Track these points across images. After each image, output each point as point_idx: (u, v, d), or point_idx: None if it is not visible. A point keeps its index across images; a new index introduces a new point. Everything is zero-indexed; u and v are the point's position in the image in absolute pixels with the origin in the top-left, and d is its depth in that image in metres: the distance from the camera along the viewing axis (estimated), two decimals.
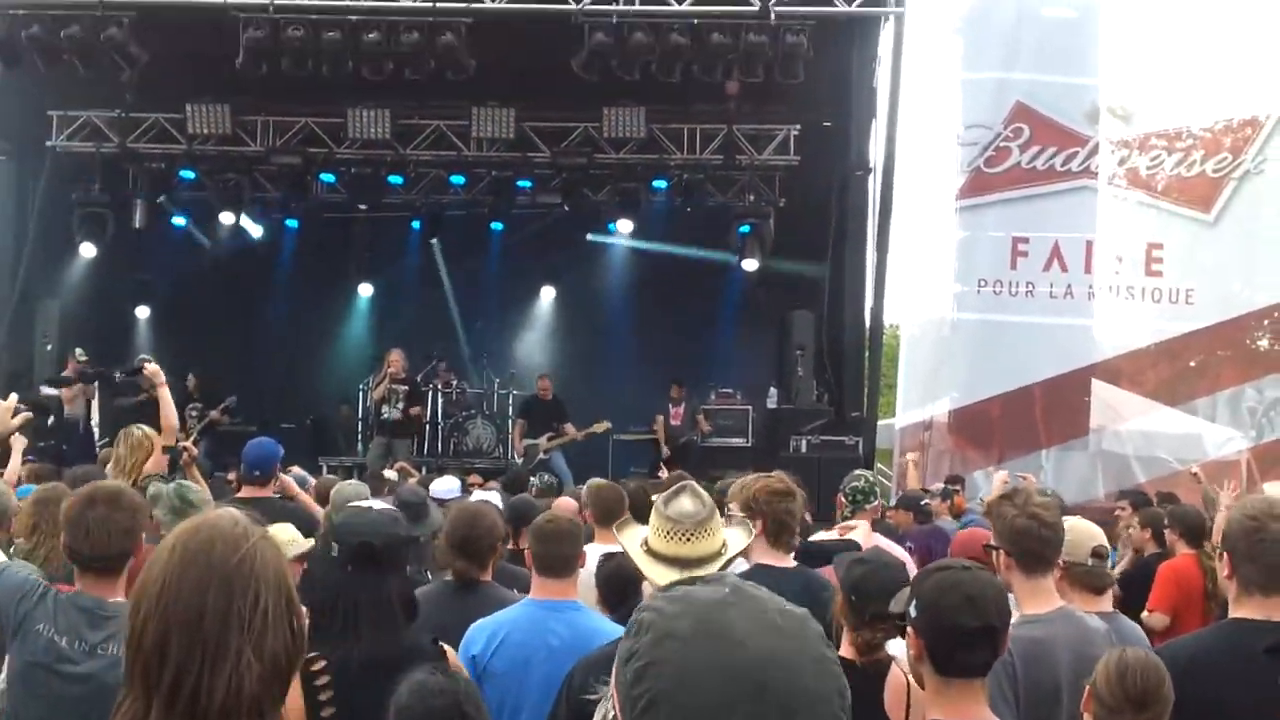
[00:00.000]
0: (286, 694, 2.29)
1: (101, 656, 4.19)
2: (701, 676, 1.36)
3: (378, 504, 3.97)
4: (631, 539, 4.09)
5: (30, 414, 7.81)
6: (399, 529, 4.00)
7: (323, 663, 3.99)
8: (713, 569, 3.90)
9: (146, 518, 4.57)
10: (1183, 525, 8.78)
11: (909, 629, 3.40)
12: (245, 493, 8.14)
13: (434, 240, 20.52)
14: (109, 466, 8.96)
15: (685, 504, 3.98)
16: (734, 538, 4.09)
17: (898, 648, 4.73)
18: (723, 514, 4.84)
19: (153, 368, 8.60)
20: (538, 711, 4.96)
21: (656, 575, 3.92)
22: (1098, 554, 5.08)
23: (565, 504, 8.40)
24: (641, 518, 4.65)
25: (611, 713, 1.44)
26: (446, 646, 4.03)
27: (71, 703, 4.14)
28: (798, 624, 1.46)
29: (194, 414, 17.48)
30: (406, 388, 17.07)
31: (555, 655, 5.02)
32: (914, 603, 3.38)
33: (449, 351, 19.68)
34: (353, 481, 7.45)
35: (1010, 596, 3.92)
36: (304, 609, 2.34)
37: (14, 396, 6.82)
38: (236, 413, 18.26)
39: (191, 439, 15.44)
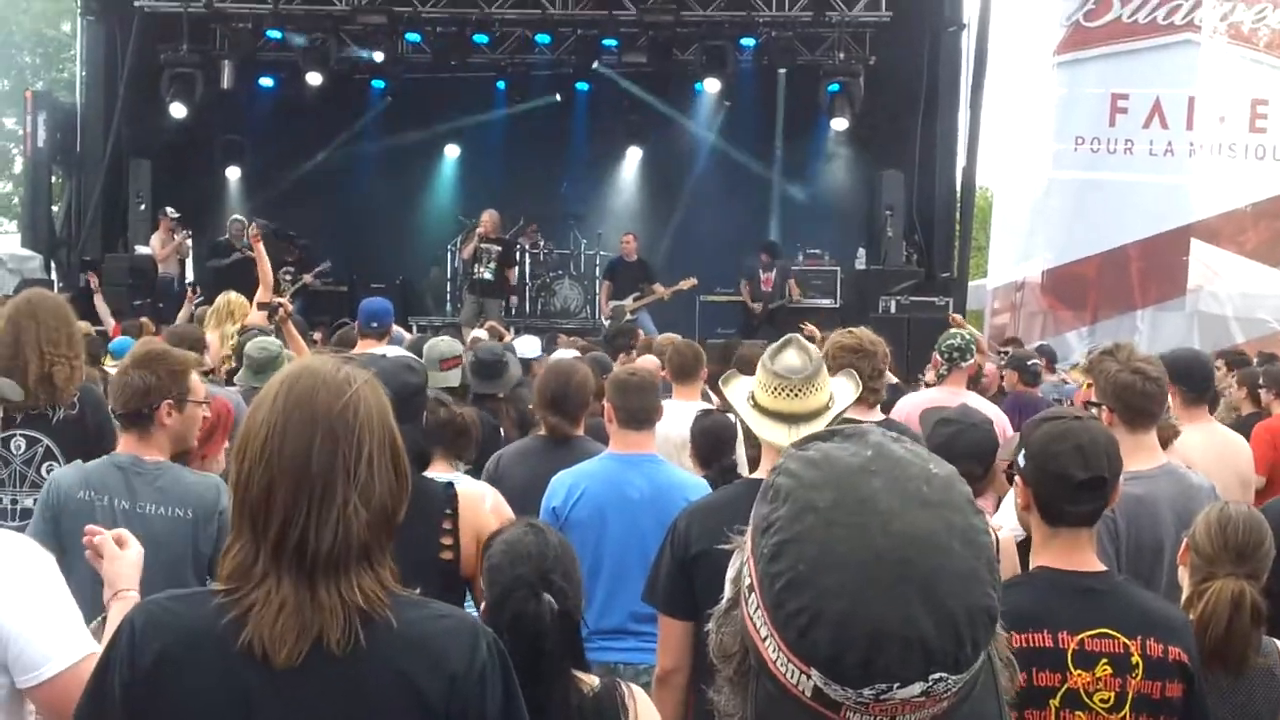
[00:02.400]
0: (392, 538, 2.30)
1: (140, 515, 4.20)
2: (841, 558, 1.29)
3: (393, 351, 3.92)
4: (737, 393, 4.04)
5: None
6: (411, 377, 3.94)
7: None
8: (821, 423, 3.84)
9: (184, 382, 4.55)
10: (1279, 385, 8.62)
11: (1017, 478, 3.38)
12: (362, 346, 8.23)
13: (515, 101, 20.39)
14: (209, 325, 9.17)
15: (792, 358, 3.91)
16: (841, 389, 4.02)
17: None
18: None
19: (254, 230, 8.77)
20: (617, 560, 5.05)
21: (765, 431, 3.88)
22: None
23: (647, 361, 8.43)
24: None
25: (748, 579, 1.37)
26: (461, 489, 4.02)
27: None
28: (943, 490, 1.36)
29: (288, 277, 17.66)
30: (499, 248, 17.07)
31: (633, 507, 5.10)
32: (1022, 451, 3.35)
33: (535, 212, 19.62)
34: (445, 337, 7.49)
35: None
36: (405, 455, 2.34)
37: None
38: (328, 273, 18.45)
39: (288, 297, 15.73)
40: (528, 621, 3.07)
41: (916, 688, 1.27)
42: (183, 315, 14.66)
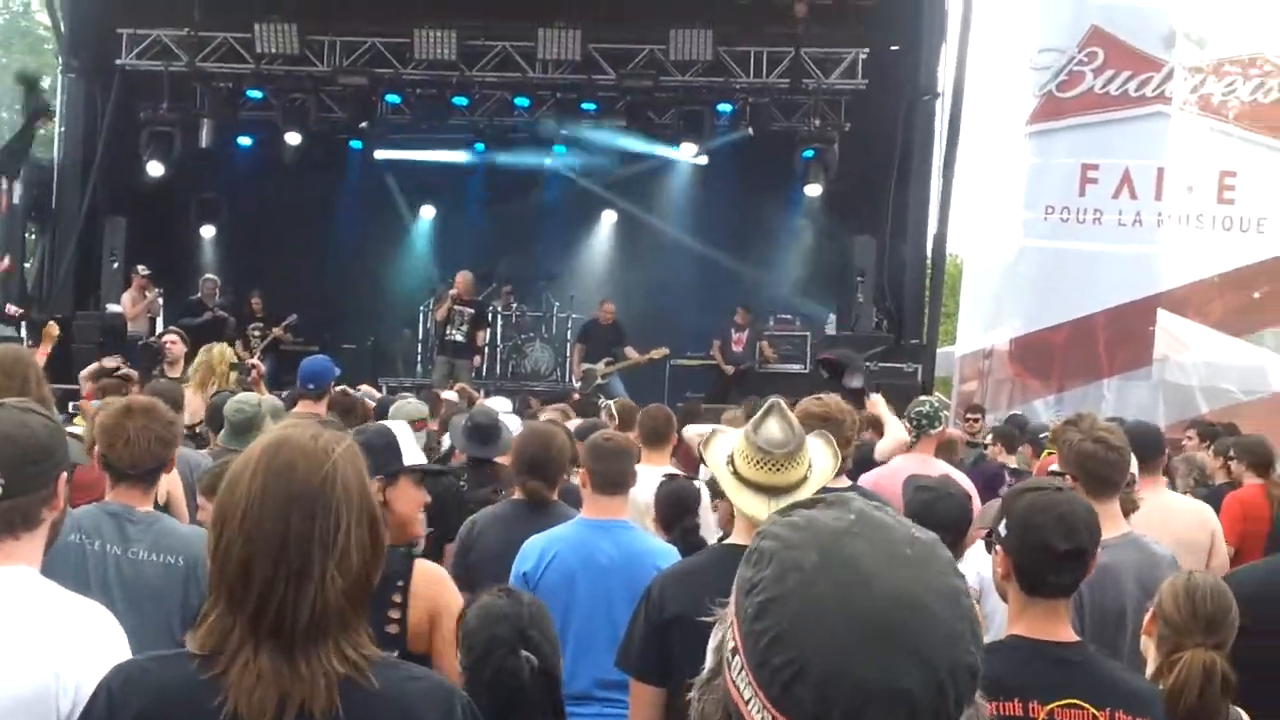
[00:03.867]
0: (368, 601, 2.31)
1: (133, 561, 4.21)
2: (826, 615, 1.31)
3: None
4: (717, 455, 4.05)
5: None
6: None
7: None
8: (800, 495, 3.83)
9: (180, 429, 4.60)
10: (1250, 455, 8.69)
11: (997, 546, 3.40)
12: (300, 408, 8.23)
13: (490, 163, 20.52)
14: (189, 385, 9.15)
15: (774, 431, 3.89)
16: (820, 459, 4.03)
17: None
18: None
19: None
20: (584, 626, 5.04)
21: (742, 502, 3.88)
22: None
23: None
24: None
25: (732, 643, 1.38)
26: (419, 563, 3.99)
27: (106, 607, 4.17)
28: (927, 553, 1.38)
29: (256, 332, 17.72)
30: (471, 310, 17.17)
31: (603, 573, 5.10)
32: (1004, 520, 3.38)
33: (509, 274, 19.68)
34: (410, 398, 7.50)
35: None
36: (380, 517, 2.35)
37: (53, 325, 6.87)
38: (299, 331, 18.47)
39: (256, 356, 15.73)
40: (506, 677, 3.08)
41: None
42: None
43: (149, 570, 4.19)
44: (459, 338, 17.06)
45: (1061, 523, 3.27)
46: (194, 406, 8.73)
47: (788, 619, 1.32)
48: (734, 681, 1.37)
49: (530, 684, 3.14)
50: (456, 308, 17.01)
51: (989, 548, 3.56)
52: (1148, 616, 3.74)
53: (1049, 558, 3.26)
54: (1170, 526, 5.67)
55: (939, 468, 7.21)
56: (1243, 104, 17.11)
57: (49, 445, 2.94)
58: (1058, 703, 3.17)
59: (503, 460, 7.47)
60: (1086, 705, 3.16)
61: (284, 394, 9.42)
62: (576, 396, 13.72)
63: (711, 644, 1.47)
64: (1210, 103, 17.15)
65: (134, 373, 9.86)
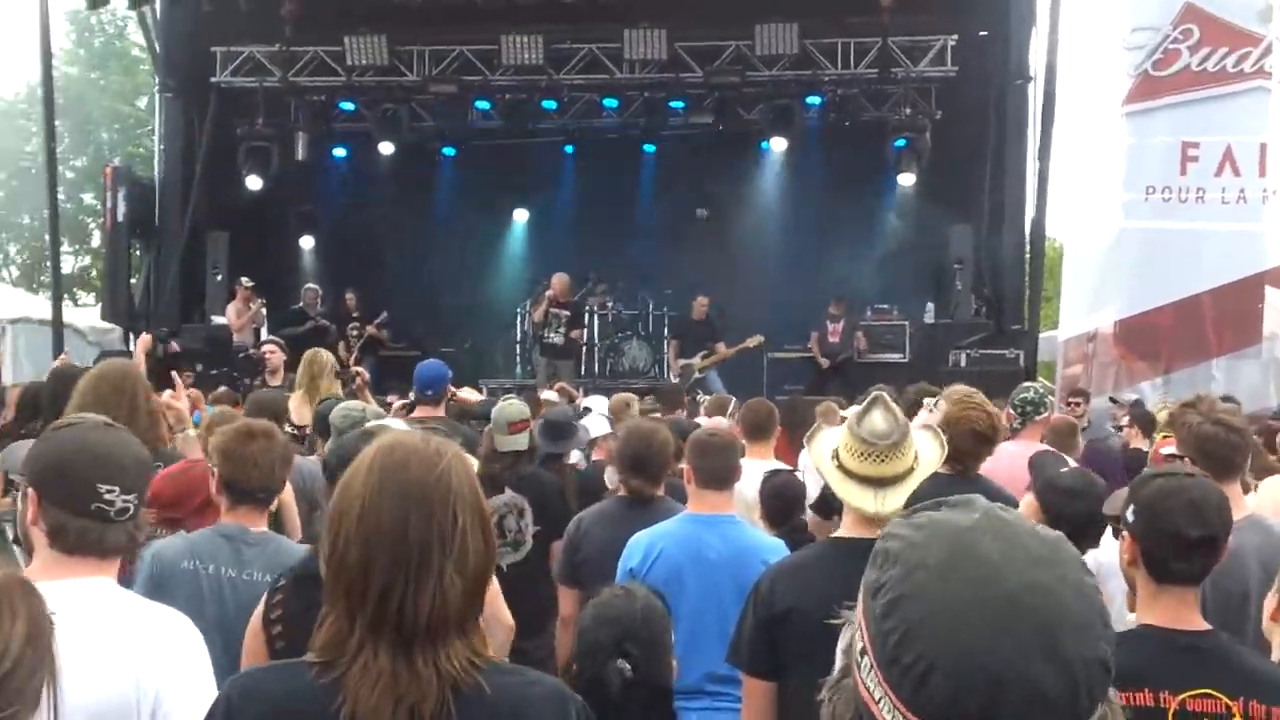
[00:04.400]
0: (483, 605, 2.33)
1: (248, 582, 4.27)
2: (957, 608, 1.30)
3: (396, 424, 3.96)
4: (822, 451, 4.05)
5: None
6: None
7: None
8: (908, 486, 3.87)
9: (291, 456, 4.68)
10: None
11: (1124, 533, 3.34)
12: (419, 413, 8.29)
13: (581, 164, 20.61)
14: (296, 391, 9.27)
15: (879, 423, 3.89)
16: (926, 450, 4.01)
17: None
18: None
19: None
20: (694, 622, 4.99)
21: (851, 495, 3.88)
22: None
23: (717, 423, 8.45)
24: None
25: (860, 644, 1.38)
26: None
27: (219, 628, 4.13)
28: (1053, 549, 1.38)
29: (354, 331, 17.97)
30: (568, 312, 17.31)
31: (711, 567, 5.08)
32: (1131, 506, 3.32)
33: (604, 274, 19.75)
34: (512, 399, 7.54)
35: None
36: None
37: (146, 337, 6.99)
38: (398, 336, 18.70)
39: (354, 356, 15.96)
40: (597, 686, 3.08)
41: None
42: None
43: (263, 591, 4.24)
44: (557, 339, 17.23)
45: (1192, 508, 3.20)
46: (301, 413, 8.83)
47: (916, 616, 1.31)
48: (863, 682, 1.37)
49: (622, 694, 3.13)
50: (553, 310, 17.16)
51: (1116, 534, 3.49)
52: (1271, 602, 3.65)
53: (1179, 545, 3.20)
54: None
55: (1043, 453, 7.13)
56: None
57: (151, 466, 3.04)
58: (1190, 693, 3.11)
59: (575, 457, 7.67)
60: (1219, 695, 3.10)
61: (392, 400, 9.49)
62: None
63: (840, 645, 1.48)
64: None
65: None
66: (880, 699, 1.33)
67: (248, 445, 4.42)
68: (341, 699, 2.19)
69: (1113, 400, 14.26)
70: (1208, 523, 3.20)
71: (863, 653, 1.37)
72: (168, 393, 6.22)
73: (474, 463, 2.46)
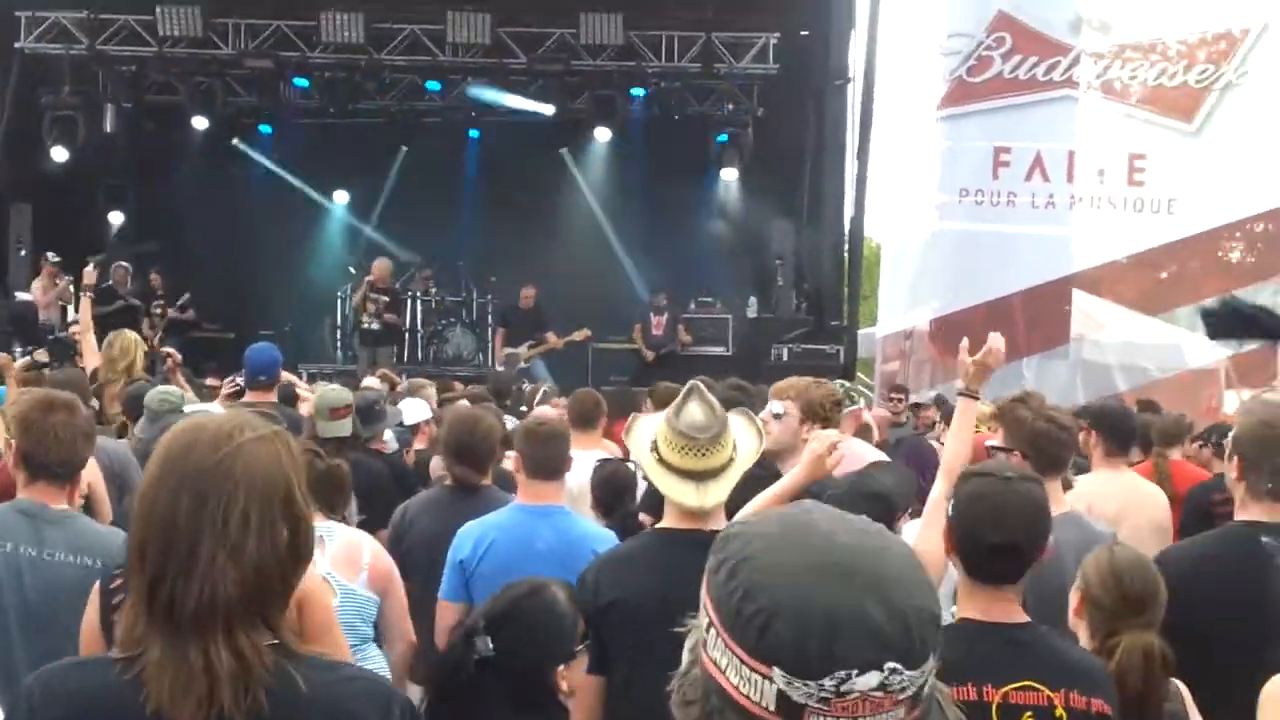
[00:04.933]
0: (284, 605, 2.22)
1: (48, 562, 4.08)
2: (794, 563, 1.41)
3: (214, 409, 3.83)
4: (639, 442, 4.03)
5: None
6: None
7: None
8: (728, 479, 3.88)
9: (94, 430, 4.49)
10: (1163, 438, 8.84)
11: (946, 525, 3.35)
12: (250, 397, 8.09)
13: (404, 148, 20.32)
14: (100, 368, 8.92)
15: (696, 415, 3.88)
16: (744, 440, 4.02)
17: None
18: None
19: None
20: None
21: (671, 489, 3.88)
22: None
23: (544, 412, 8.41)
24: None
25: (705, 619, 1.46)
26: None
27: (18, 612, 4.00)
28: (878, 527, 1.50)
29: (158, 311, 17.42)
30: (386, 298, 17.08)
31: (541, 559, 4.95)
32: (951, 502, 3.34)
33: (428, 260, 19.52)
34: (335, 386, 7.40)
35: None
36: (308, 516, 2.26)
37: None
38: (212, 318, 18.24)
39: (158, 336, 15.47)
40: (452, 667, 3.03)
41: (874, 677, 1.35)
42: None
43: (67, 573, 4.04)
44: (375, 325, 16.99)
45: (994, 514, 3.20)
46: (109, 394, 8.52)
47: (757, 573, 1.41)
48: (710, 659, 1.44)
49: (477, 672, 3.09)
50: (371, 295, 16.91)
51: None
52: (1075, 598, 3.73)
53: (981, 548, 3.22)
54: (1146, 509, 5.75)
55: (854, 448, 7.22)
56: (1146, 87, 17.38)
57: None
58: (1012, 685, 3.12)
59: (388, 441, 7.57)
60: (1040, 687, 3.13)
61: (211, 383, 9.18)
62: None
63: (687, 645, 1.54)
64: (1113, 87, 17.41)
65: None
66: (727, 665, 1.41)
67: (49, 417, 4.18)
68: (145, 694, 2.09)
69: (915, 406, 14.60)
70: (1008, 529, 3.20)
71: (708, 628, 1.44)
72: None
73: (296, 450, 2.32)
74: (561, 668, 3.38)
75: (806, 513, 1.50)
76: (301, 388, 9.06)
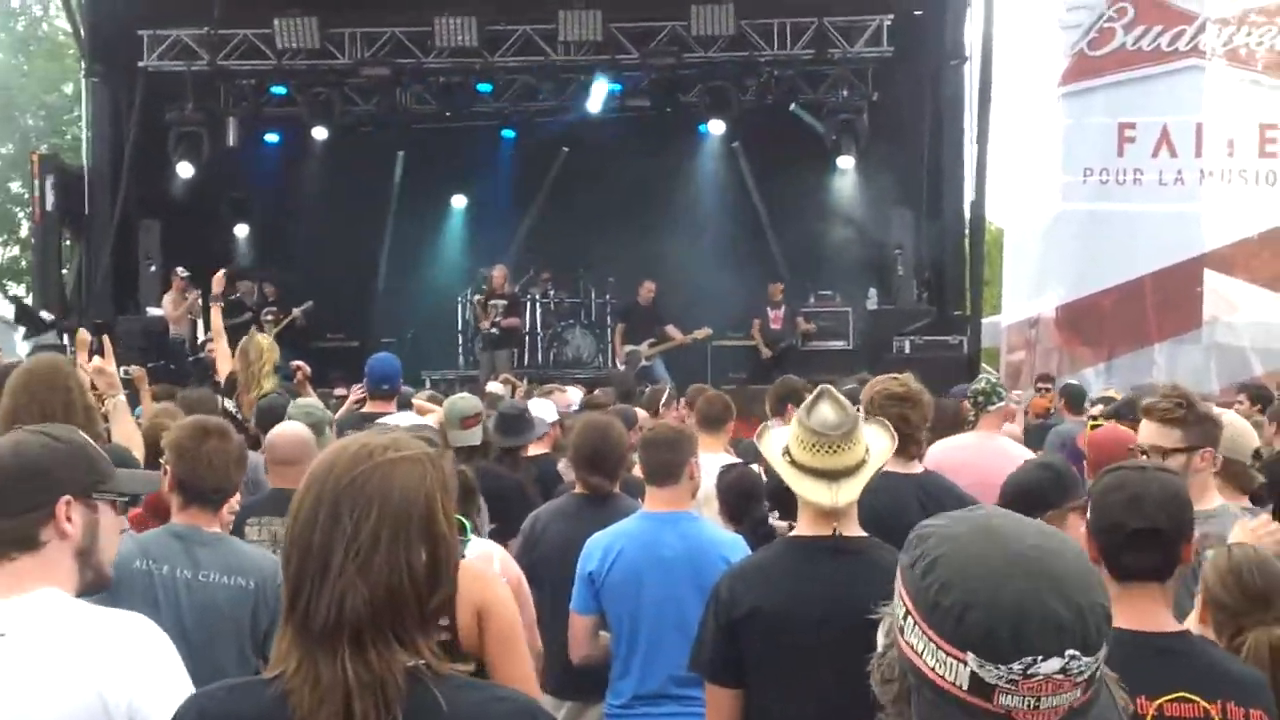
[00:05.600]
0: (425, 624, 2.20)
1: (204, 584, 4.15)
2: (984, 562, 1.62)
3: (405, 420, 3.77)
4: (772, 447, 3.99)
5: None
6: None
7: None
8: (861, 478, 3.83)
9: (245, 455, 4.58)
10: None
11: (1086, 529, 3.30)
12: (371, 407, 8.20)
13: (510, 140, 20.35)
14: (237, 374, 9.08)
15: (828, 414, 3.85)
16: (877, 443, 3.97)
17: None
18: None
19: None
20: (655, 623, 4.98)
21: (804, 489, 3.83)
22: (1258, 455, 4.99)
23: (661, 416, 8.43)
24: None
25: (902, 610, 1.67)
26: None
27: (177, 633, 4.11)
28: (1054, 530, 1.73)
29: (269, 317, 17.64)
30: (504, 302, 17.25)
31: (668, 566, 5.00)
32: (1089, 502, 3.31)
33: (546, 262, 19.60)
34: (465, 394, 7.46)
35: None
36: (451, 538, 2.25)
37: (84, 332, 6.76)
38: (336, 327, 18.49)
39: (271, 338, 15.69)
40: None
41: (1056, 663, 1.56)
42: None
43: (221, 594, 4.14)
44: (496, 330, 17.18)
45: (1134, 502, 3.16)
46: (248, 401, 8.66)
47: (951, 569, 1.62)
48: (908, 643, 1.66)
49: None
50: (492, 301, 17.10)
51: None
52: (1198, 603, 3.61)
53: (1120, 538, 3.16)
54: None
55: (1001, 444, 7.11)
56: (1275, 53, 16.84)
57: (43, 466, 2.86)
58: (1166, 697, 3.05)
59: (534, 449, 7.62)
60: (1197, 698, 3.05)
61: (339, 392, 9.27)
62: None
63: (881, 630, 1.78)
64: (1239, 54, 16.89)
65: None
66: (924, 649, 1.63)
67: (203, 444, 4.29)
68: (290, 708, 2.12)
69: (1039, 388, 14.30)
70: (1146, 515, 3.15)
71: (905, 615, 1.66)
72: (96, 359, 6.05)
73: (446, 472, 2.32)
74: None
75: (988, 517, 1.72)
76: (420, 400, 9.10)
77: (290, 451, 5.54)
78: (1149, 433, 4.64)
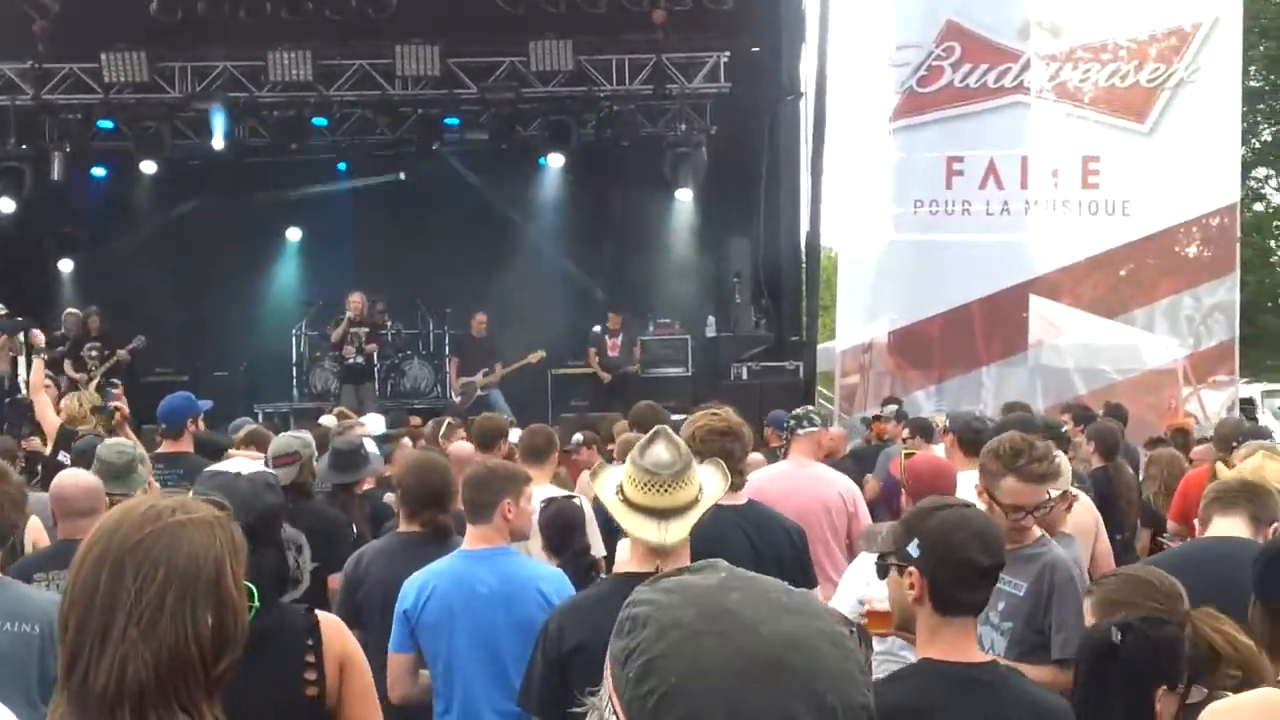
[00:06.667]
0: (207, 690, 2.13)
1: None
2: (716, 664, 1.28)
3: (246, 466, 3.68)
4: (606, 486, 4.01)
5: None
6: (271, 497, 3.68)
7: None
8: (692, 516, 3.86)
9: (25, 496, 4.42)
10: (1099, 440, 9.06)
11: (911, 569, 3.30)
12: (165, 447, 8.09)
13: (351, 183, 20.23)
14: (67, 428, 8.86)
15: (661, 453, 3.88)
16: (710, 482, 4.00)
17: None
18: None
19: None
20: (467, 661, 4.94)
21: (634, 526, 3.85)
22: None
23: (459, 449, 8.38)
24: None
25: (610, 717, 1.34)
26: (319, 614, 3.71)
27: None
28: (804, 602, 1.38)
29: (93, 354, 17.19)
30: (367, 330, 17.10)
31: (483, 603, 4.96)
32: (915, 540, 3.30)
33: (380, 293, 19.40)
34: (287, 434, 7.32)
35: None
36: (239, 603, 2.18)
37: None
38: (165, 361, 18.07)
39: (95, 382, 15.26)
40: None
41: None
42: None
43: (4, 641, 3.99)
44: (361, 360, 17.05)
45: (980, 539, 3.24)
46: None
47: (674, 674, 1.28)
48: None
49: None
50: (353, 330, 16.93)
51: (883, 572, 3.50)
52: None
53: (971, 574, 3.23)
54: None
55: (816, 471, 7.18)
56: (1099, 88, 17.41)
57: None
58: None
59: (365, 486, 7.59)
60: None
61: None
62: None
63: None
64: (1067, 89, 17.43)
65: None
66: None
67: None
68: None
69: (866, 420, 14.54)
70: (993, 552, 3.26)
71: None
72: None
73: (237, 537, 2.25)
74: None
75: (725, 590, 1.36)
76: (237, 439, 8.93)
77: (79, 502, 5.32)
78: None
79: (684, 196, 18.44)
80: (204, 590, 2.12)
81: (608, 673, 1.37)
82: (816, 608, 1.38)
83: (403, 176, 20.21)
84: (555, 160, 19.16)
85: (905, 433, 10.91)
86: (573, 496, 6.66)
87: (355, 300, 17.35)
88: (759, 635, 1.30)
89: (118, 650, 2.04)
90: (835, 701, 1.28)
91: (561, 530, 6.01)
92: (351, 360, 17.26)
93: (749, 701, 1.25)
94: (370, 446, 8.05)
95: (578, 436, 8.34)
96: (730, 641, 1.29)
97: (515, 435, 9.32)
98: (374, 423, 10.85)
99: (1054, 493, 4.97)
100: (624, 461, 4.14)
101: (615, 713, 1.32)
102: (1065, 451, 6.32)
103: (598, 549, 6.45)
